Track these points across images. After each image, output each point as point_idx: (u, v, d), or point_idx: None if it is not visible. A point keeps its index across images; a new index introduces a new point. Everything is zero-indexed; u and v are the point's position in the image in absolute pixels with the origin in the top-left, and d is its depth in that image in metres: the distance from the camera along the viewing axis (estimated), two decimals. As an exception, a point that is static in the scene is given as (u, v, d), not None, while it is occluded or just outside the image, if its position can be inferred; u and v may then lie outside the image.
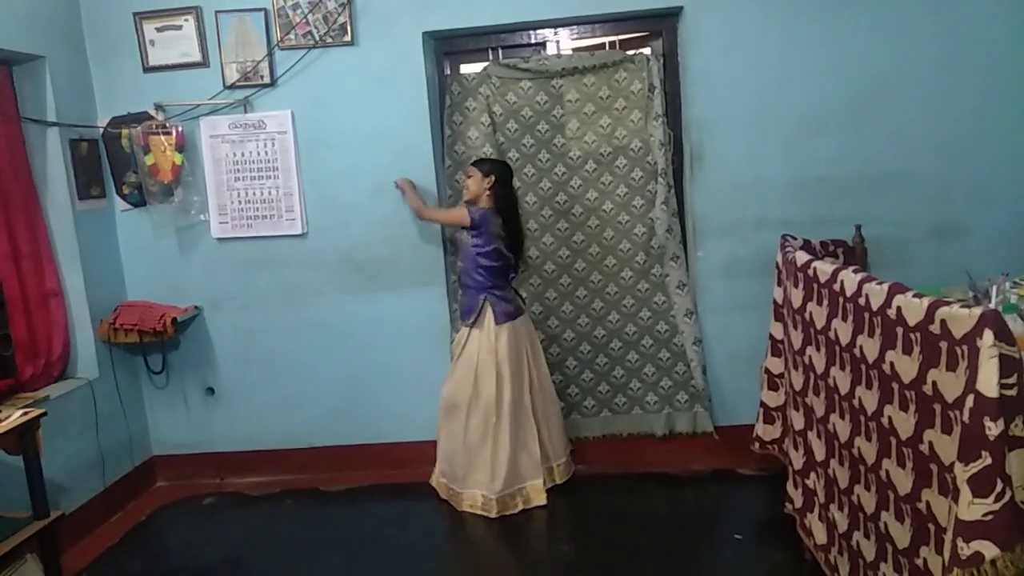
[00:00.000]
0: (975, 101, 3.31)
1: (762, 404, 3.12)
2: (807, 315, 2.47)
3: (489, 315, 3.24)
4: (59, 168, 3.37)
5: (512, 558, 3.09)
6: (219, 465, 3.85)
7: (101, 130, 3.58)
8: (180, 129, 3.53)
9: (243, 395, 3.79)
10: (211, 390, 3.81)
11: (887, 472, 1.97)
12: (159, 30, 3.54)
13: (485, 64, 3.61)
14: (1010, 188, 3.34)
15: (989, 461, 1.54)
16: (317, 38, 3.47)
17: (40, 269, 3.31)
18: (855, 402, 2.13)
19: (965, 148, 3.34)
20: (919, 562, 1.84)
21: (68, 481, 3.26)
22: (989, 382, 1.53)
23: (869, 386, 2.03)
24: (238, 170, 3.61)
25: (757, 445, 3.17)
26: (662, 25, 3.53)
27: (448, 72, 3.68)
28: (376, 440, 3.75)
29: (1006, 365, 1.52)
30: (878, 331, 1.95)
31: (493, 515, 3.20)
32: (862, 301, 2.03)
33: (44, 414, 2.75)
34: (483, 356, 3.23)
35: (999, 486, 1.53)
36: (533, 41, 3.63)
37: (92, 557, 3.18)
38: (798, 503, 2.73)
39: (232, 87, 3.54)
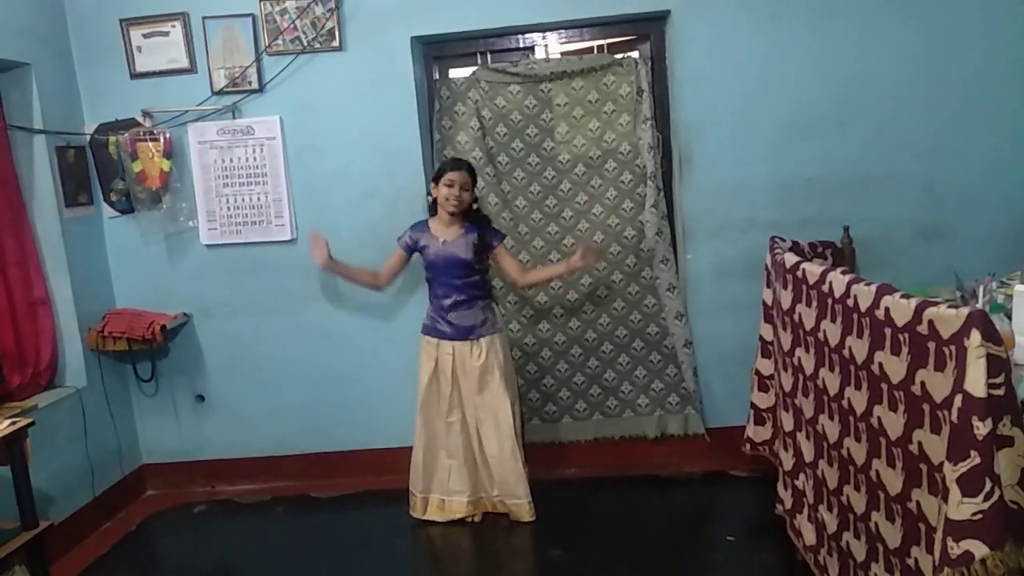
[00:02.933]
0: (960, 102, 3.34)
1: (753, 405, 3.14)
2: (796, 317, 2.48)
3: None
4: (46, 176, 3.35)
5: (504, 563, 3.09)
6: (210, 473, 3.83)
7: (88, 137, 3.56)
8: (168, 135, 3.51)
9: (233, 402, 3.78)
10: (201, 397, 3.79)
11: (877, 472, 1.98)
12: (146, 36, 3.52)
13: (474, 68, 3.61)
14: (995, 188, 3.37)
15: (978, 460, 1.55)
16: (305, 44, 3.46)
17: (27, 277, 3.28)
18: (844, 403, 2.14)
19: (950, 149, 3.37)
20: (910, 562, 1.85)
21: (57, 491, 3.23)
22: (977, 382, 1.54)
23: (858, 387, 2.04)
24: (227, 176, 3.59)
25: (748, 446, 3.18)
26: (650, 28, 3.54)
27: (437, 76, 3.68)
28: (368, 446, 3.74)
29: (993, 365, 1.53)
30: (866, 332, 1.96)
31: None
32: (850, 302, 2.04)
33: (32, 424, 2.73)
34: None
35: (988, 485, 1.54)
36: (521, 45, 3.64)
37: (82, 567, 3.16)
38: (788, 504, 2.74)
39: (220, 93, 3.52)
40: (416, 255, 3.28)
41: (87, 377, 3.50)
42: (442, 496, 3.29)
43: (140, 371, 3.73)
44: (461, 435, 3.21)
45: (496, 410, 3.16)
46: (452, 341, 3.17)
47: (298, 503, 3.63)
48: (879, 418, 1.94)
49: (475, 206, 3.19)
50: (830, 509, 2.33)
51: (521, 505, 3.20)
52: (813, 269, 2.35)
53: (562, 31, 3.60)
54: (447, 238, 3.16)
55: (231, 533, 3.44)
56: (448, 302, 3.17)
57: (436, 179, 3.16)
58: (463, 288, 3.16)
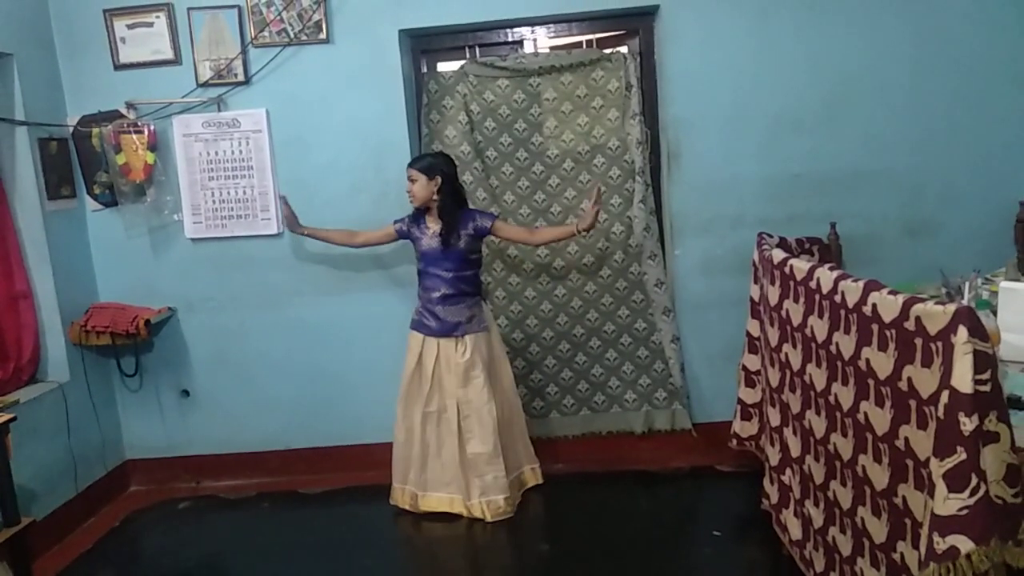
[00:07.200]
0: (947, 100, 3.35)
1: (739, 401, 3.15)
2: (783, 312, 2.49)
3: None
4: (28, 168, 3.30)
5: (491, 558, 3.09)
6: (194, 468, 3.80)
7: (71, 129, 3.51)
8: (152, 128, 3.47)
9: (218, 397, 3.75)
10: (186, 392, 3.76)
11: (863, 468, 1.99)
12: (130, 27, 3.48)
13: (462, 62, 3.59)
14: (981, 186, 3.38)
15: (964, 456, 1.56)
16: (292, 36, 3.43)
17: (9, 271, 3.25)
18: (831, 398, 2.15)
19: (937, 146, 3.38)
20: (896, 556, 1.86)
21: (39, 487, 3.19)
22: (963, 378, 1.55)
23: (845, 383, 2.05)
24: (212, 169, 3.56)
25: (735, 442, 3.19)
26: (639, 24, 3.53)
27: (425, 70, 3.66)
28: (354, 441, 3.72)
29: (980, 361, 1.54)
30: (854, 328, 1.97)
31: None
32: (838, 298, 2.05)
33: (14, 419, 2.70)
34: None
35: (974, 481, 1.55)
36: (510, 39, 3.62)
37: (64, 564, 3.12)
38: (774, 499, 2.75)
39: (205, 85, 3.49)
40: (404, 242, 3.31)
41: (70, 372, 3.46)
42: (415, 490, 3.29)
43: (124, 366, 3.69)
44: (438, 430, 3.21)
45: (480, 408, 3.16)
46: (437, 338, 3.18)
47: (284, 499, 3.61)
48: (866, 414, 1.95)
49: (436, 198, 3.15)
50: (816, 504, 2.34)
51: (496, 502, 3.18)
52: (801, 265, 2.35)
53: (551, 25, 3.59)
54: (438, 230, 3.16)
55: (216, 529, 3.42)
56: (436, 295, 3.18)
57: None
58: (452, 282, 3.16)
